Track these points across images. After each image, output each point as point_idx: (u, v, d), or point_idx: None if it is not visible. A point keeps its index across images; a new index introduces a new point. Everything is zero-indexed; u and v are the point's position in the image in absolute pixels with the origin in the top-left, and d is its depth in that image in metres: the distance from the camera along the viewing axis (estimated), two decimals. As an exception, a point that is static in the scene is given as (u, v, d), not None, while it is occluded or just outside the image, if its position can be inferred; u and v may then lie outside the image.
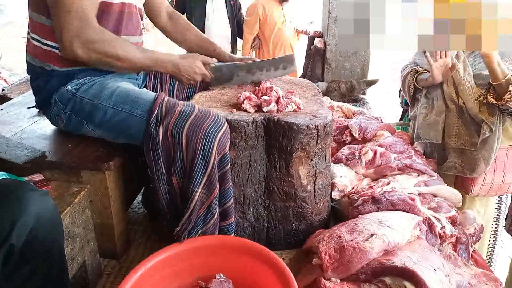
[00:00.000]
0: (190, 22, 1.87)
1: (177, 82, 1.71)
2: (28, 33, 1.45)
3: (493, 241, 2.21)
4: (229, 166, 1.35)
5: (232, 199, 1.40)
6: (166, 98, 1.38)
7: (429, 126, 2.03)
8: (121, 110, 1.38)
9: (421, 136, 2.08)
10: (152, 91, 1.68)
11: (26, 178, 1.31)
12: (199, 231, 1.33)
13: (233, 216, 1.42)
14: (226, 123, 1.33)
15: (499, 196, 2.10)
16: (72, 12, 1.28)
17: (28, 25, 1.45)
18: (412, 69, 2.09)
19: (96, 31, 1.33)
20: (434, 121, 2.00)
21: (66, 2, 1.28)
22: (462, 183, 1.92)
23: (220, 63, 1.68)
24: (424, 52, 1.90)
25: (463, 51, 1.86)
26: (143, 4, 1.71)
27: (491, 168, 1.92)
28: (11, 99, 2.16)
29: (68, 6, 1.28)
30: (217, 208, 1.34)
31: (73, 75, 1.44)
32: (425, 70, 2.04)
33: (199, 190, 1.29)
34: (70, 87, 1.43)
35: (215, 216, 1.34)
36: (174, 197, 1.36)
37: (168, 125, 1.29)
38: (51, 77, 1.44)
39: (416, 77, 2.06)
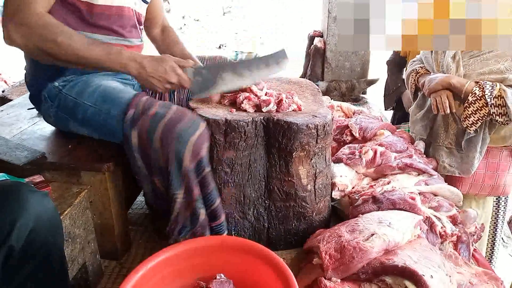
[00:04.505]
0: (179, 38, 1.81)
1: None
2: None
3: (492, 242, 2.21)
4: (209, 168, 1.29)
5: (218, 200, 1.36)
6: (145, 98, 1.31)
7: (417, 121, 2.09)
8: (101, 110, 1.35)
9: (410, 130, 2.16)
10: (151, 93, 1.67)
11: (26, 180, 1.31)
12: (189, 232, 1.31)
13: (223, 216, 1.39)
14: (203, 125, 1.26)
15: (496, 198, 2.10)
16: None
17: None
18: (413, 69, 2.10)
19: (35, 16, 1.23)
20: (423, 117, 2.06)
21: None
22: (451, 181, 1.93)
23: (200, 65, 1.47)
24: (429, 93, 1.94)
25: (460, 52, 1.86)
26: None
27: (481, 168, 1.93)
28: (11, 100, 2.16)
29: None
30: (202, 210, 1.30)
31: (61, 71, 1.43)
32: (427, 71, 2.05)
33: (181, 193, 1.25)
34: (57, 83, 1.43)
35: (202, 217, 1.30)
36: (160, 194, 1.33)
37: (142, 127, 1.24)
38: (40, 73, 1.44)
39: (417, 78, 2.07)
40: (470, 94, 1.76)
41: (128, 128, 1.27)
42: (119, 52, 1.31)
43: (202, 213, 1.30)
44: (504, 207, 2.14)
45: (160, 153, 1.23)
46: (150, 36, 1.82)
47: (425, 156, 1.95)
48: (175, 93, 1.68)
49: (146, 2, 1.61)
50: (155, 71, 1.32)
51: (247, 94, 1.48)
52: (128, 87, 1.49)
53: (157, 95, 1.66)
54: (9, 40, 1.26)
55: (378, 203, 1.55)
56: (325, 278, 1.24)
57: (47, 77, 1.44)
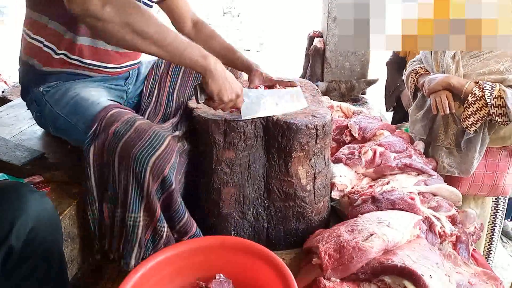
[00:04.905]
0: (215, 30, 1.75)
1: (177, 84, 1.63)
2: (23, 30, 1.43)
3: (489, 242, 2.22)
4: (173, 186, 1.22)
5: (186, 215, 1.31)
6: (111, 112, 1.24)
7: (417, 121, 2.10)
8: (70, 121, 1.32)
9: (410, 131, 2.17)
10: (147, 97, 1.62)
11: (25, 180, 1.32)
12: (150, 253, 1.29)
13: (193, 228, 1.35)
14: (166, 142, 1.20)
15: (495, 198, 2.11)
16: None
17: (24, 20, 1.43)
18: (413, 69, 2.10)
19: None
20: (422, 117, 2.06)
21: None
22: (451, 182, 1.93)
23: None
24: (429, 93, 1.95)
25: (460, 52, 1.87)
26: (168, 14, 1.68)
27: (481, 168, 1.93)
28: (11, 100, 2.17)
29: None
30: (165, 228, 1.27)
31: (47, 77, 1.41)
32: (426, 71, 2.05)
33: (141, 215, 1.22)
34: (42, 88, 1.41)
35: (164, 236, 1.28)
36: (102, 225, 1.30)
37: (101, 146, 1.19)
38: (30, 75, 1.43)
39: (417, 78, 2.08)
40: (470, 95, 1.76)
41: (88, 144, 1.21)
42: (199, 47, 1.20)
43: (165, 231, 1.27)
44: (503, 207, 2.15)
45: (120, 174, 1.17)
46: (183, 34, 1.70)
47: (424, 156, 1.95)
48: (174, 94, 1.64)
49: (150, 6, 1.58)
50: (230, 76, 1.23)
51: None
52: (104, 98, 1.39)
53: (157, 96, 1.63)
54: (82, 5, 1.04)
55: (377, 203, 1.55)
56: (324, 278, 1.24)
57: (35, 80, 1.42)
